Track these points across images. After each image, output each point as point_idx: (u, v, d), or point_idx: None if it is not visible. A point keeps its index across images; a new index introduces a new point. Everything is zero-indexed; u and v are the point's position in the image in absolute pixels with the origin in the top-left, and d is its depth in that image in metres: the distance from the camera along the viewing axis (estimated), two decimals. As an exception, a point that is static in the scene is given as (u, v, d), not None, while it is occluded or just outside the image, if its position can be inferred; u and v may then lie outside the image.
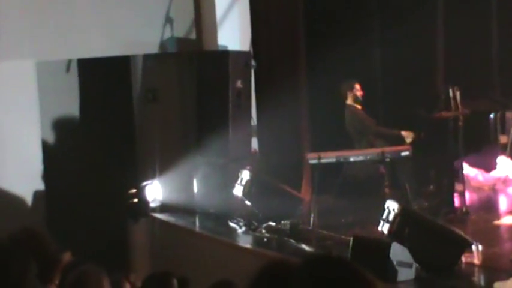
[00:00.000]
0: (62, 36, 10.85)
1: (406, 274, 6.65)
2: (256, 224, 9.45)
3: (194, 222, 10.35)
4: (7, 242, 1.25)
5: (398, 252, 6.71)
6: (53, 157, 11.40)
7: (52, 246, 5.14)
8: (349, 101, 10.19)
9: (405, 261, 6.68)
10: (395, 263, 6.63)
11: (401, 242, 6.78)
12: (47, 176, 11.15)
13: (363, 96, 10.16)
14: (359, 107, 10.21)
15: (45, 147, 11.30)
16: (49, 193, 11.19)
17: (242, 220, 9.76)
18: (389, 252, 6.67)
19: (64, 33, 10.85)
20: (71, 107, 11.90)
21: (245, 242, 9.32)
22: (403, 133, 9.87)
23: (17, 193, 10.72)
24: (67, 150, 11.66)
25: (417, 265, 6.76)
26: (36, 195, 11.01)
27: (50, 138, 11.67)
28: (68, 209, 11.27)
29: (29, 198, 10.93)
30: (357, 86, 10.15)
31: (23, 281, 1.33)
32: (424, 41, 10.65)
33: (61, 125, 11.81)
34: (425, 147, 9.80)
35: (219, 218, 10.04)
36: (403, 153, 9.25)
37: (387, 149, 9.36)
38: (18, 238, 4.49)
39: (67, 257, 7.50)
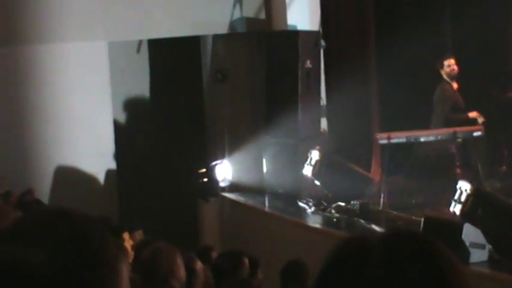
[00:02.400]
0: (133, 17, 10.97)
1: (478, 256, 6.57)
2: (325, 204, 9.44)
3: (263, 202, 10.39)
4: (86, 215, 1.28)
5: (470, 234, 6.63)
6: (125, 137, 11.57)
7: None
8: (444, 76, 9.79)
9: (478, 243, 6.59)
10: (467, 244, 6.55)
11: (474, 223, 6.69)
12: (118, 155, 11.32)
13: (456, 71, 9.68)
14: (451, 83, 9.75)
15: (117, 127, 11.47)
16: (121, 172, 11.36)
17: (311, 200, 9.75)
18: (461, 234, 6.59)
19: (135, 14, 10.97)
20: (142, 87, 12.06)
21: (314, 222, 9.32)
22: (472, 114, 9.64)
23: (90, 172, 10.91)
24: (138, 130, 11.84)
25: (490, 246, 6.66)
26: (109, 174, 11.19)
27: (122, 118, 11.85)
28: (139, 188, 11.44)
29: (101, 177, 11.11)
30: (446, 62, 9.66)
31: (106, 250, 1.35)
32: (497, 17, 10.41)
33: (132, 105, 11.98)
34: (498, 127, 9.62)
35: (288, 198, 10.06)
36: (475, 133, 9.10)
37: (459, 128, 9.21)
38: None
39: (139, 235, 7.64)
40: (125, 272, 1.37)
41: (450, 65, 9.63)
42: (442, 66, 9.69)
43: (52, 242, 1.29)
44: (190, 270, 4.65)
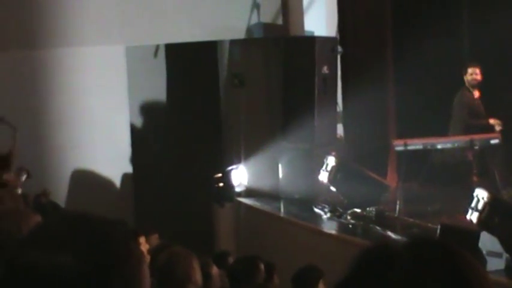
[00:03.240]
0: (151, 22, 11.01)
1: (495, 264, 6.54)
2: (341, 210, 9.43)
3: (279, 208, 10.39)
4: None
5: (487, 242, 6.59)
6: (141, 141, 11.60)
7: None
8: (466, 83, 9.77)
9: (495, 251, 6.56)
10: (484, 252, 6.51)
11: (491, 232, 6.65)
12: (135, 159, 11.35)
13: (479, 81, 9.66)
14: (472, 91, 9.71)
15: (134, 131, 11.50)
16: (137, 176, 11.39)
17: (327, 206, 9.74)
18: (478, 242, 6.56)
19: (152, 19, 11.01)
20: (159, 91, 12.08)
21: (330, 228, 9.31)
22: (491, 121, 9.61)
23: (106, 175, 10.94)
24: (154, 134, 11.86)
25: (507, 255, 6.62)
26: (125, 178, 11.22)
27: (138, 122, 11.88)
28: (155, 192, 11.46)
29: (117, 181, 11.14)
30: (470, 70, 9.63)
31: (128, 250, 1.36)
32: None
33: (149, 109, 12.01)
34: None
35: (303, 204, 10.05)
36: (493, 141, 9.06)
37: (476, 136, 9.17)
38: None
39: (154, 239, 7.65)
40: (147, 272, 1.38)
41: (473, 73, 9.61)
42: (466, 72, 9.66)
43: (74, 245, 1.31)
44: (206, 275, 4.65)
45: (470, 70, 9.61)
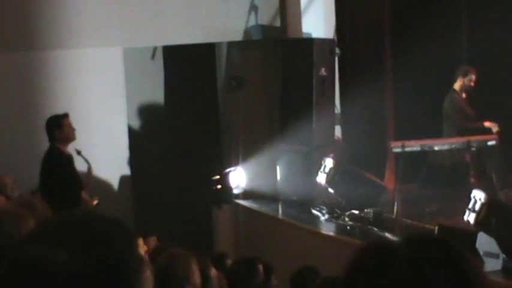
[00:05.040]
0: (148, 24, 11.02)
1: (492, 265, 6.54)
2: (339, 211, 9.44)
3: (277, 209, 10.40)
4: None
5: (484, 243, 6.61)
6: (139, 143, 11.60)
7: None
8: (456, 86, 9.83)
9: (492, 252, 6.57)
10: (481, 253, 6.53)
11: (488, 232, 6.67)
12: (133, 161, 11.35)
13: (473, 87, 9.76)
14: (464, 95, 9.81)
15: (132, 132, 11.50)
16: (135, 178, 11.39)
17: (325, 208, 9.76)
18: (475, 243, 6.57)
19: (150, 20, 11.01)
20: (157, 93, 12.09)
21: (328, 229, 9.32)
22: (487, 124, 9.65)
23: (104, 177, 10.94)
24: (152, 136, 11.87)
25: (504, 256, 6.64)
26: (123, 180, 11.22)
27: (136, 124, 11.89)
28: (153, 194, 11.46)
29: (115, 183, 11.14)
30: (470, 76, 9.72)
31: (129, 253, 1.36)
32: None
33: (146, 111, 12.02)
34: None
35: (301, 205, 10.07)
36: (490, 143, 9.09)
37: (473, 137, 9.20)
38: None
39: (153, 241, 7.66)
40: (149, 275, 1.39)
41: (472, 79, 9.70)
42: (464, 75, 9.72)
43: (76, 243, 1.31)
44: (205, 277, 4.66)
45: (470, 75, 9.70)
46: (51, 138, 8.15)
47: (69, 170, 8.08)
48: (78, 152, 8.57)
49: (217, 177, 11.11)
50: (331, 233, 9.11)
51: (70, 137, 8.18)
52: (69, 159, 8.16)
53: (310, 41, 10.67)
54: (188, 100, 11.86)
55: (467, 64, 10.08)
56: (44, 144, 8.87)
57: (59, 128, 8.12)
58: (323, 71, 10.34)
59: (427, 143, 9.28)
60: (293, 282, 5.85)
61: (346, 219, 9.21)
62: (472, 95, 9.88)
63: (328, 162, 9.54)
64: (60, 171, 8.02)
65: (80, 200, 7.98)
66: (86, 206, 7.93)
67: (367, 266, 1.33)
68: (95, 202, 8.32)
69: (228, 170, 11.14)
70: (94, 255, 1.32)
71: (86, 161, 8.71)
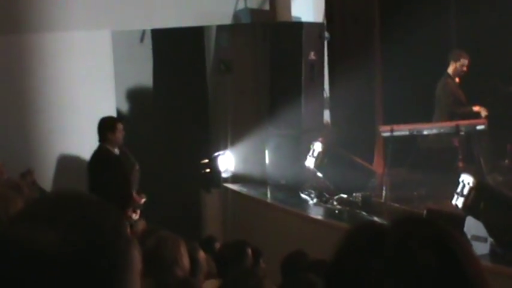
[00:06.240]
0: (137, 7, 10.95)
1: (480, 249, 6.57)
2: (327, 195, 9.46)
3: (266, 193, 10.41)
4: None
5: (472, 227, 6.64)
6: (127, 126, 11.54)
7: None
8: (450, 70, 9.84)
9: (480, 236, 6.61)
10: (469, 237, 6.56)
11: (476, 216, 6.70)
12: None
13: (465, 72, 9.79)
14: (453, 78, 9.84)
15: (120, 116, 11.45)
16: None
17: (313, 192, 9.77)
18: (463, 227, 6.60)
19: (139, 3, 10.94)
20: (145, 76, 12.05)
21: (316, 213, 9.34)
22: (477, 108, 9.67)
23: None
24: (141, 120, 11.83)
25: (492, 240, 6.67)
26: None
27: (124, 107, 11.85)
28: (142, 178, 11.43)
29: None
30: (462, 61, 9.74)
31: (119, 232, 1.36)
32: (504, 10, 10.38)
33: (135, 95, 11.98)
34: (501, 121, 9.62)
35: (290, 189, 10.08)
36: (479, 127, 9.12)
37: (462, 122, 9.23)
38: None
39: (142, 224, 7.66)
40: (137, 258, 1.38)
41: (464, 64, 9.71)
42: (456, 60, 9.73)
43: (64, 224, 1.30)
44: (193, 260, 4.66)
45: (462, 61, 9.71)
46: (103, 138, 8.57)
47: (119, 170, 8.43)
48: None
49: (206, 161, 11.10)
50: (320, 217, 9.13)
51: (120, 141, 8.64)
52: (118, 159, 8.54)
53: (299, 25, 10.65)
54: (177, 84, 11.82)
55: (459, 48, 10.09)
56: (31, 127, 8.82)
57: (113, 130, 8.57)
58: (312, 55, 10.34)
59: (415, 127, 9.30)
60: (284, 266, 5.86)
61: (335, 203, 9.23)
62: (462, 79, 9.90)
63: (317, 147, 9.54)
64: (110, 171, 8.35)
65: (131, 198, 8.31)
66: (135, 204, 8.32)
67: (357, 247, 1.33)
68: (143, 200, 8.52)
69: (216, 153, 11.14)
70: (83, 236, 1.31)
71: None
